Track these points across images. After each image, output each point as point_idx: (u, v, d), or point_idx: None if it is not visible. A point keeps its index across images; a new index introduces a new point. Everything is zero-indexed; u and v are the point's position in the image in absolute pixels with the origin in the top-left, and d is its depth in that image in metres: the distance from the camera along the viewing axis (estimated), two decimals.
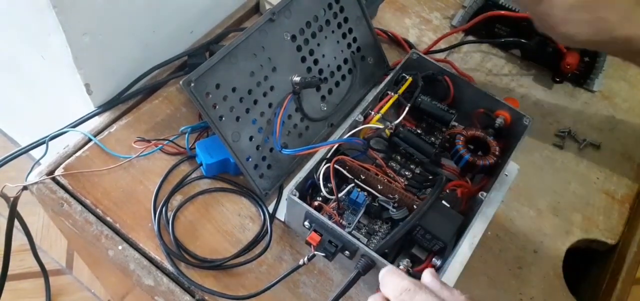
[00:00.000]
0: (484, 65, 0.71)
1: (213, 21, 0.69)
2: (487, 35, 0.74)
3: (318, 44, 0.58)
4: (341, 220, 0.50)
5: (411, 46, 0.70)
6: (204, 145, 0.55)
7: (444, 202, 0.49)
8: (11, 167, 0.55)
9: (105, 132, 0.58)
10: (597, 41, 0.50)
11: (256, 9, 0.73)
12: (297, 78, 0.54)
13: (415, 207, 0.49)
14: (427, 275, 0.40)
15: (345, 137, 0.53)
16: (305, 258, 0.47)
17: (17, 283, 1.15)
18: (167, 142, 0.57)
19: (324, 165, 0.50)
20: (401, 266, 0.46)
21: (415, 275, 0.46)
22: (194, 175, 0.56)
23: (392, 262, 0.46)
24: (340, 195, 0.50)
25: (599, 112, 0.69)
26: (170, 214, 0.52)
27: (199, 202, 0.54)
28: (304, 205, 0.47)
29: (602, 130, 0.67)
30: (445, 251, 0.47)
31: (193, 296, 0.49)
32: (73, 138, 0.57)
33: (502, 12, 0.70)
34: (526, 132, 0.55)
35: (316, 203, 0.50)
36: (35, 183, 0.54)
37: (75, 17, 0.52)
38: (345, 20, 0.60)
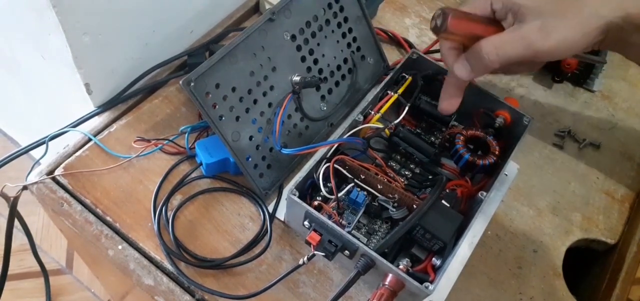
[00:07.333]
0: None
1: (213, 21, 0.69)
2: None
3: (318, 44, 0.58)
4: (341, 220, 0.50)
5: (411, 46, 0.70)
6: (204, 145, 0.55)
7: (443, 201, 0.49)
8: (11, 167, 0.55)
9: (105, 132, 0.58)
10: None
11: (256, 9, 0.73)
12: (296, 78, 0.54)
13: (415, 206, 0.49)
14: None
15: (345, 136, 0.53)
16: (305, 258, 0.47)
17: (17, 283, 1.15)
18: (167, 141, 0.57)
19: (324, 164, 0.50)
20: (401, 266, 0.46)
21: (415, 275, 0.46)
22: (193, 175, 0.56)
23: (392, 262, 0.46)
24: (340, 194, 0.50)
25: (598, 111, 0.69)
26: (170, 214, 0.52)
27: (198, 202, 0.54)
28: (304, 204, 0.47)
29: (602, 130, 0.67)
30: (445, 250, 0.47)
31: (193, 296, 0.49)
32: (73, 138, 0.57)
33: None
34: (526, 132, 0.55)
35: (316, 202, 0.50)
36: (35, 183, 0.54)
37: (75, 17, 0.52)
38: (345, 19, 0.60)
